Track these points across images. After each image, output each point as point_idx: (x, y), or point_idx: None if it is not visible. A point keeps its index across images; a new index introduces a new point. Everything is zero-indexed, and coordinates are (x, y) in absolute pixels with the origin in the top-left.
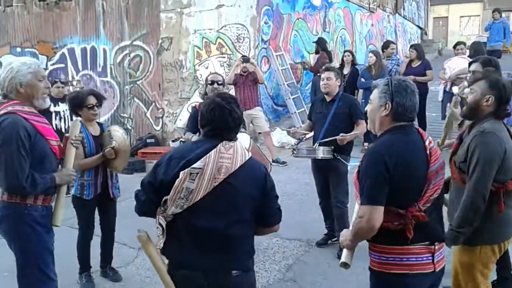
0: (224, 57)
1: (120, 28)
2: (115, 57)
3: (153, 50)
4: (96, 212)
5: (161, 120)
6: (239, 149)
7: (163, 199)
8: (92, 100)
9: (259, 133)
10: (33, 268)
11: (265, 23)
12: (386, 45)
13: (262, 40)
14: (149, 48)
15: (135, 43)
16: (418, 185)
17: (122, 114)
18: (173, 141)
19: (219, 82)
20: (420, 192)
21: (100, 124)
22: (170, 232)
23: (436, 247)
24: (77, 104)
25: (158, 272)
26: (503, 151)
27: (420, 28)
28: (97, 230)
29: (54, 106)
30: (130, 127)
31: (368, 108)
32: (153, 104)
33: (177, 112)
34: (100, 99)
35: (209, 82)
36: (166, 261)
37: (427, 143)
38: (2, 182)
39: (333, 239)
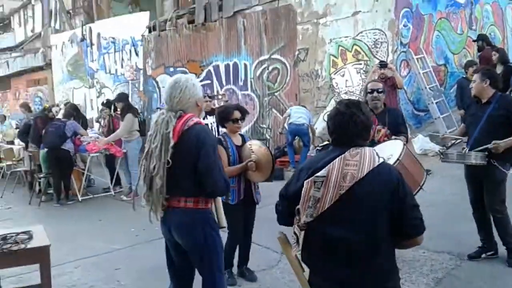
0: (361, 64)
1: (259, 43)
2: (255, 71)
3: (290, 62)
4: None
5: None
6: (367, 155)
7: (296, 208)
8: (237, 114)
9: None
10: (218, 268)
11: (404, 25)
12: None
13: (401, 43)
14: (286, 60)
15: (273, 56)
16: None
17: (261, 125)
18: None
19: (379, 90)
20: None
21: (241, 135)
22: (306, 241)
23: None
24: (224, 117)
25: (294, 271)
26: None
27: None
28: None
29: (203, 118)
30: (268, 137)
31: None
32: None
33: (313, 121)
34: (244, 113)
35: (369, 91)
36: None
37: None
38: (210, 186)
39: (487, 253)
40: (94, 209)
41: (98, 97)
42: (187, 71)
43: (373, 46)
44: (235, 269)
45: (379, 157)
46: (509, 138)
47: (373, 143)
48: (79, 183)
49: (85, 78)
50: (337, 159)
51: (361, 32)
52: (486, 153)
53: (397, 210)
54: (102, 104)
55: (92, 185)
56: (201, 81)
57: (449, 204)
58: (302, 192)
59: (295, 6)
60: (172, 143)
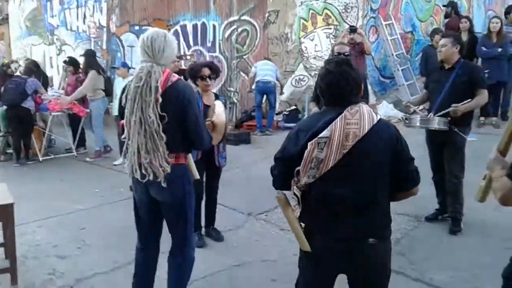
0: (331, 29)
1: (229, 3)
2: (223, 32)
3: (259, 24)
4: None
5: None
6: (365, 113)
7: (296, 170)
8: (205, 71)
9: None
10: (190, 224)
11: None
12: (508, 10)
13: (371, 9)
14: (256, 22)
15: (242, 18)
16: None
17: (228, 88)
18: (276, 114)
19: (346, 54)
20: None
21: (216, 95)
22: (305, 201)
23: None
24: (193, 75)
25: (293, 230)
26: None
27: None
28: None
29: None
30: (236, 101)
31: None
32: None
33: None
34: (215, 71)
35: (336, 54)
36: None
37: None
38: (198, 141)
39: (444, 215)
40: (56, 170)
41: (58, 54)
42: None
43: (343, 10)
44: (202, 231)
45: (376, 114)
46: (467, 101)
47: None
48: (39, 142)
49: (44, 35)
50: (338, 118)
51: None
52: (449, 118)
53: (396, 164)
54: (65, 62)
55: (53, 145)
56: None
57: None
58: (305, 153)
59: None
60: (160, 99)
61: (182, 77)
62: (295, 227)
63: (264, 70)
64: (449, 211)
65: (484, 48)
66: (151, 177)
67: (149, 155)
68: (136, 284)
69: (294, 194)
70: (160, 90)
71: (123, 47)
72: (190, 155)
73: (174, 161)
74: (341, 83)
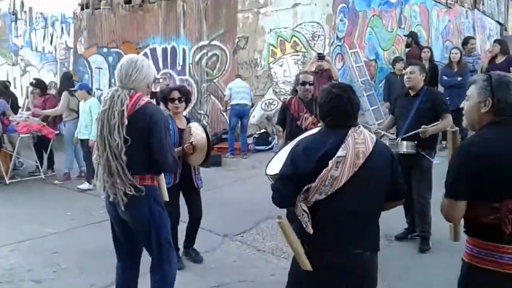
0: (299, 55)
1: (199, 28)
2: (193, 56)
3: (229, 49)
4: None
5: None
6: (367, 133)
7: (305, 188)
8: (175, 94)
9: None
10: (166, 242)
11: (341, 20)
12: (465, 41)
13: (337, 37)
14: (226, 47)
15: (212, 42)
16: None
17: (199, 111)
18: (247, 136)
19: (311, 83)
20: None
21: (187, 118)
22: (316, 218)
23: None
24: (163, 97)
25: (295, 252)
26: None
27: (500, 23)
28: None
29: None
30: (206, 123)
31: (465, 105)
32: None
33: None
34: (184, 94)
35: (301, 83)
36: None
37: None
38: (161, 163)
39: (413, 234)
40: (24, 193)
41: (22, 75)
42: (122, 52)
43: (311, 38)
44: (180, 253)
45: (373, 135)
46: (435, 123)
47: (301, 130)
48: (5, 165)
49: (8, 55)
50: (349, 139)
51: (300, 24)
52: (416, 142)
53: (392, 179)
54: (31, 84)
55: (19, 168)
56: None
57: None
58: (323, 172)
59: None
60: (126, 122)
61: (154, 100)
62: (297, 247)
63: (240, 93)
64: (418, 231)
65: (445, 77)
66: (111, 199)
67: (112, 177)
68: None
69: (303, 210)
70: (125, 114)
71: (90, 68)
72: (161, 176)
73: (138, 182)
74: (347, 106)
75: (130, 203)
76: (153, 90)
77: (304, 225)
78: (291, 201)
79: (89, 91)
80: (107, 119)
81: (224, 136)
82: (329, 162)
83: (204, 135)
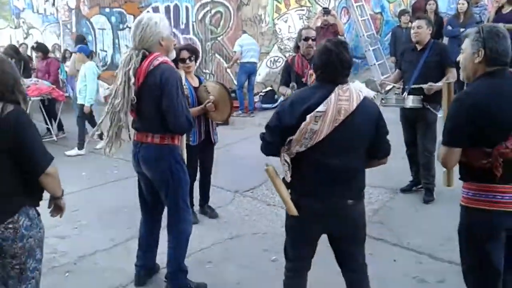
0: (303, 10)
1: None
2: (197, 14)
3: (233, 6)
4: None
5: None
6: (353, 91)
7: (288, 139)
8: (184, 54)
9: None
10: (183, 201)
11: None
12: None
13: None
14: (230, 3)
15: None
16: (506, 126)
17: (204, 70)
18: (254, 95)
19: (313, 38)
20: (510, 131)
21: (198, 77)
22: (294, 167)
23: None
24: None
25: (282, 197)
26: None
27: None
28: None
29: None
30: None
31: (460, 57)
32: None
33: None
34: (193, 52)
35: (304, 38)
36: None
37: None
38: (172, 123)
39: (417, 186)
40: None
41: (25, 38)
42: (124, 12)
43: None
44: (196, 208)
45: (362, 93)
46: (441, 81)
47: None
48: None
49: (10, 18)
50: (333, 95)
51: None
52: (422, 96)
53: (376, 136)
54: (32, 48)
55: None
56: None
57: None
58: (302, 125)
59: None
60: (132, 80)
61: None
62: (283, 194)
63: (250, 51)
64: (422, 183)
65: (449, 27)
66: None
67: (108, 133)
68: (140, 257)
69: (285, 160)
70: (131, 74)
71: (93, 29)
72: (183, 138)
73: (159, 141)
74: (336, 62)
75: (151, 162)
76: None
77: (284, 174)
78: (276, 151)
79: (88, 55)
80: (115, 81)
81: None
82: (307, 116)
83: (223, 91)
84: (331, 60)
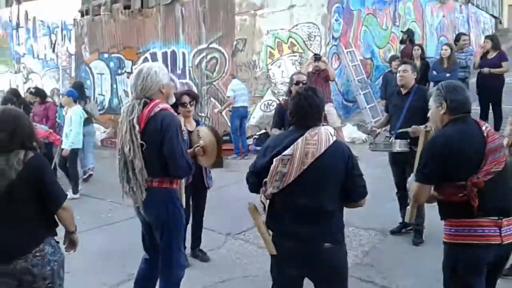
0: (296, 56)
1: (197, 32)
2: (193, 60)
3: (228, 52)
4: None
5: None
6: (323, 134)
7: (264, 181)
8: (185, 98)
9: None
10: (177, 245)
11: (336, 20)
12: (457, 37)
13: (333, 37)
14: (225, 50)
15: (211, 46)
16: (475, 161)
17: (199, 114)
18: (247, 138)
19: (304, 82)
20: (478, 166)
21: (196, 120)
22: (271, 208)
23: (505, 222)
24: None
25: (262, 235)
26: None
27: (495, 17)
28: None
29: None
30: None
31: (429, 113)
32: None
33: (250, 110)
34: (194, 97)
35: (295, 82)
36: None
37: (483, 128)
38: (173, 167)
39: (407, 228)
40: None
41: (25, 83)
42: (123, 57)
43: (307, 38)
44: (187, 251)
45: (332, 136)
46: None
47: None
48: None
49: (11, 63)
50: (300, 139)
51: (296, 25)
52: (409, 140)
53: (348, 179)
54: (30, 93)
55: None
56: None
57: (374, 187)
58: (271, 168)
59: None
60: (137, 128)
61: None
62: (263, 232)
63: (242, 96)
64: (411, 224)
65: (434, 72)
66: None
67: (129, 183)
68: None
69: (261, 201)
70: (135, 122)
71: (92, 74)
72: (182, 182)
73: (157, 185)
74: (305, 105)
75: (149, 205)
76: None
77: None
78: (257, 190)
79: (76, 99)
80: (120, 131)
81: (224, 138)
82: (274, 159)
83: (213, 138)
84: (300, 103)
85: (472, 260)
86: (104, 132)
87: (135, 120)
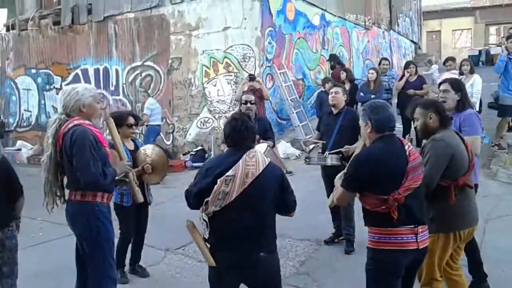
0: (231, 75)
1: (132, 50)
2: (127, 77)
3: (163, 70)
4: None
5: (171, 135)
6: (259, 157)
7: (205, 200)
8: (131, 120)
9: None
10: (103, 258)
11: (269, 43)
12: (380, 62)
13: (267, 59)
14: (160, 68)
15: (146, 63)
16: (397, 177)
17: (135, 130)
18: (183, 154)
19: (252, 102)
20: (400, 182)
21: (133, 140)
22: (212, 224)
23: (420, 230)
24: (119, 123)
25: (201, 250)
26: (450, 154)
27: (414, 42)
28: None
29: None
30: (141, 143)
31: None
32: (164, 120)
33: (186, 127)
34: (137, 119)
35: (243, 102)
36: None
37: (406, 147)
38: (80, 180)
39: (339, 238)
40: None
41: None
42: (52, 73)
43: (242, 59)
44: (126, 268)
45: (267, 158)
46: (357, 142)
47: None
48: None
49: None
50: (240, 161)
51: (231, 46)
52: (340, 155)
53: (281, 196)
54: None
55: None
56: (67, 84)
57: (308, 200)
58: (215, 188)
59: (168, 17)
60: (50, 140)
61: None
62: (201, 246)
63: (158, 114)
64: (343, 234)
65: (362, 94)
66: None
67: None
68: None
69: (203, 220)
70: (51, 136)
71: (18, 90)
72: (131, 176)
73: (80, 198)
74: (242, 129)
75: (72, 218)
76: None
77: (203, 231)
78: (195, 209)
79: None
80: (49, 143)
81: None
82: (218, 180)
83: (163, 155)
84: (238, 127)
85: (393, 264)
86: (31, 149)
87: (49, 134)
